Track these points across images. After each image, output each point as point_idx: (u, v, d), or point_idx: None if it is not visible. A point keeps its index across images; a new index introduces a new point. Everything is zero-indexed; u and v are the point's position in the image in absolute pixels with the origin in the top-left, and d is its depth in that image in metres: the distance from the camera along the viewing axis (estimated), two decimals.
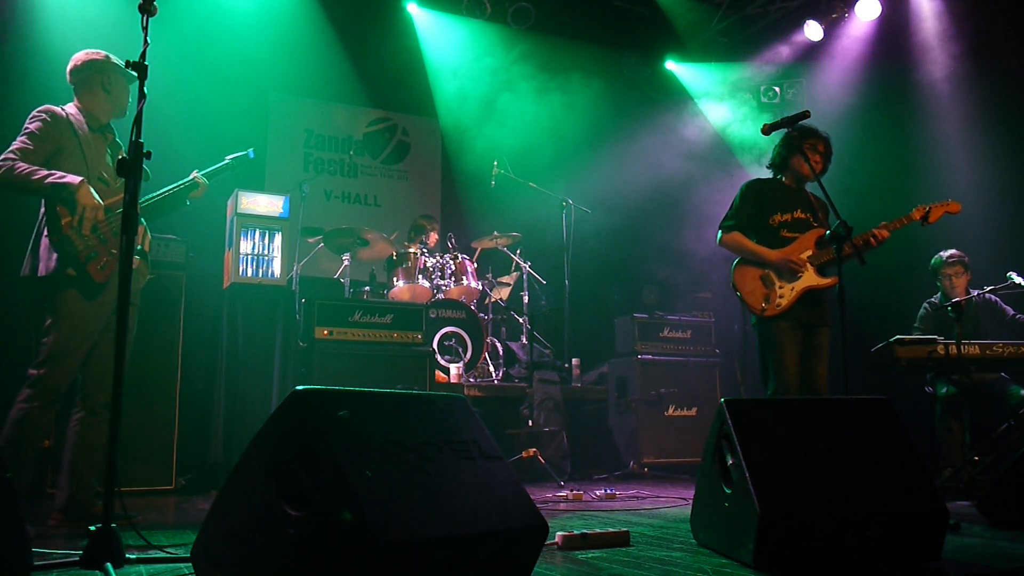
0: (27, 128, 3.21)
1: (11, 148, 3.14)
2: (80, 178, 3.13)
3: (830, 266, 3.86)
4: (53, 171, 3.13)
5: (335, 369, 4.90)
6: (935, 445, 4.88)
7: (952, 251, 5.17)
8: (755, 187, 4.05)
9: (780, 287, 3.86)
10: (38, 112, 3.26)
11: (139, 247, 3.38)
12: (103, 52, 3.42)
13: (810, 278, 3.84)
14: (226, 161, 3.84)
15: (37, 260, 3.17)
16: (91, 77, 3.38)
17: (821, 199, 3.69)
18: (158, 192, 3.51)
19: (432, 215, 7.21)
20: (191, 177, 3.61)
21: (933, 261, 5.24)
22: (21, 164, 3.09)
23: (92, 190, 3.15)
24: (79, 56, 3.40)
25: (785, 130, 3.70)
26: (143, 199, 3.43)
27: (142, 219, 3.34)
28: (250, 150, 3.94)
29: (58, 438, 3.88)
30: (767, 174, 4.16)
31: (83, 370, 3.32)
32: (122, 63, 3.36)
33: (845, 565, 2.31)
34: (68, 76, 3.41)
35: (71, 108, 3.36)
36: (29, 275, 3.20)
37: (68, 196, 3.10)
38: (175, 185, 3.57)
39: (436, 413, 2.16)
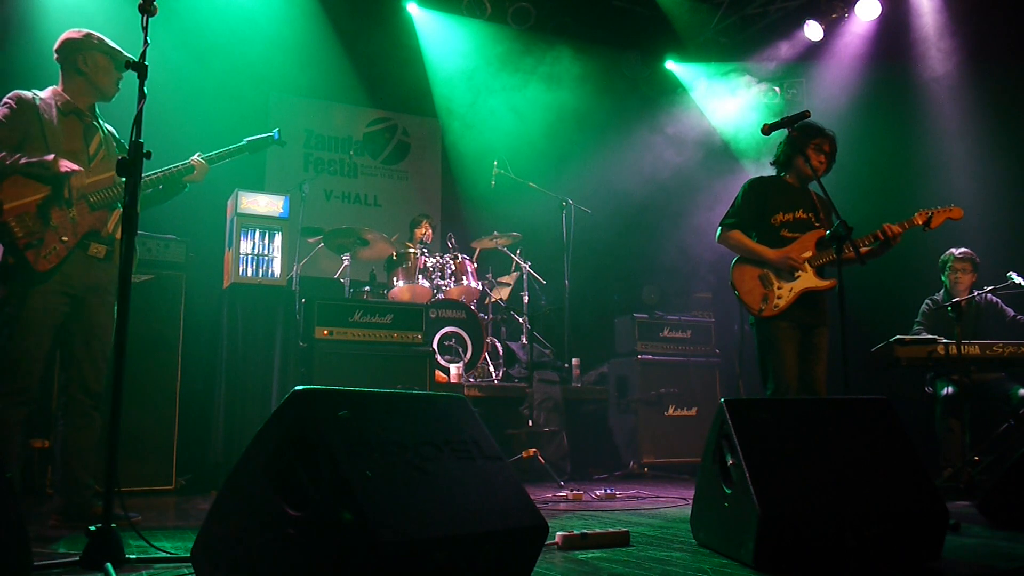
0: None
1: None
2: (53, 154, 3.09)
3: (830, 267, 3.85)
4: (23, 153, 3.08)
5: (335, 369, 4.91)
6: (935, 445, 4.87)
7: (964, 248, 5.17)
8: (758, 185, 4.02)
9: (778, 287, 3.84)
10: (6, 99, 3.19)
11: (111, 235, 3.26)
12: (84, 30, 3.31)
13: (808, 280, 3.83)
14: (243, 143, 3.65)
15: None
16: (68, 58, 3.29)
17: (825, 199, 3.67)
18: (150, 172, 3.35)
19: (428, 213, 7.21)
20: (190, 160, 3.46)
21: (943, 256, 5.23)
22: None
23: (67, 161, 3.10)
24: (61, 36, 3.31)
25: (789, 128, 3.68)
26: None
27: (117, 204, 3.23)
28: (275, 131, 3.71)
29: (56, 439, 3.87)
30: (769, 172, 4.15)
31: (64, 370, 3.27)
32: (107, 41, 3.28)
33: (845, 565, 2.30)
34: (54, 57, 3.33)
35: (46, 92, 3.28)
36: None
37: (45, 172, 3.06)
38: (170, 167, 3.41)
39: (436, 413, 2.16)
